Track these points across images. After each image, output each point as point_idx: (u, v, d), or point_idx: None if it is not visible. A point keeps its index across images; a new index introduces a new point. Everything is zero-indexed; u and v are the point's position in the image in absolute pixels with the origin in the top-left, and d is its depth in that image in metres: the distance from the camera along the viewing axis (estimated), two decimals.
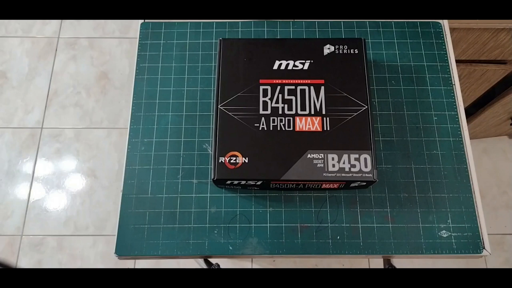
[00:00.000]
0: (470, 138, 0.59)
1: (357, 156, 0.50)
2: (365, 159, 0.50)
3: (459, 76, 0.66)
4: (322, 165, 0.50)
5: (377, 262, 1.18)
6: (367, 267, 1.19)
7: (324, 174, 0.50)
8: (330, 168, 0.50)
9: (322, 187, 0.53)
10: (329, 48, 0.57)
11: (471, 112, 1.13)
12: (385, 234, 0.54)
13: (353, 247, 0.54)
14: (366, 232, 0.55)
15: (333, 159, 0.50)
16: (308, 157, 0.50)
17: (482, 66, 0.89)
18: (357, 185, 0.52)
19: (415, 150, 0.59)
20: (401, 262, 1.05)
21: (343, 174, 0.50)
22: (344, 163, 0.50)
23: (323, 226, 0.55)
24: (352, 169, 0.50)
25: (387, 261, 0.94)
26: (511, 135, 1.34)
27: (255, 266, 1.20)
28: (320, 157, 0.50)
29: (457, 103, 0.61)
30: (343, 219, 0.55)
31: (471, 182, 0.57)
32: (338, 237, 0.54)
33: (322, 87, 0.54)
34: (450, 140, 0.59)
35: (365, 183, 0.51)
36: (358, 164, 0.50)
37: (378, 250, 0.54)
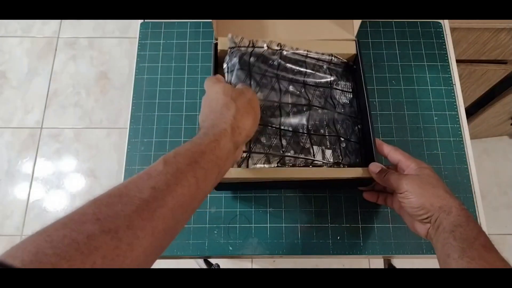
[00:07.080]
0: (471, 138, 0.59)
1: None
2: None
3: (460, 76, 0.66)
4: None
5: (377, 263, 1.18)
6: (368, 268, 1.19)
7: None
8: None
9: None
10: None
11: (471, 112, 1.13)
12: (386, 234, 0.54)
13: (354, 248, 0.54)
14: (366, 232, 0.54)
15: None
16: None
17: (482, 66, 0.88)
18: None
19: (416, 150, 0.58)
20: (402, 262, 1.05)
21: None
22: None
23: (323, 226, 0.55)
24: None
25: (387, 262, 0.94)
26: None
27: (255, 266, 1.20)
28: None
29: (457, 103, 0.61)
30: (343, 219, 0.55)
31: (471, 182, 0.57)
32: (338, 237, 0.54)
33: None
34: (451, 140, 0.59)
35: None
36: None
37: (378, 250, 0.54)
